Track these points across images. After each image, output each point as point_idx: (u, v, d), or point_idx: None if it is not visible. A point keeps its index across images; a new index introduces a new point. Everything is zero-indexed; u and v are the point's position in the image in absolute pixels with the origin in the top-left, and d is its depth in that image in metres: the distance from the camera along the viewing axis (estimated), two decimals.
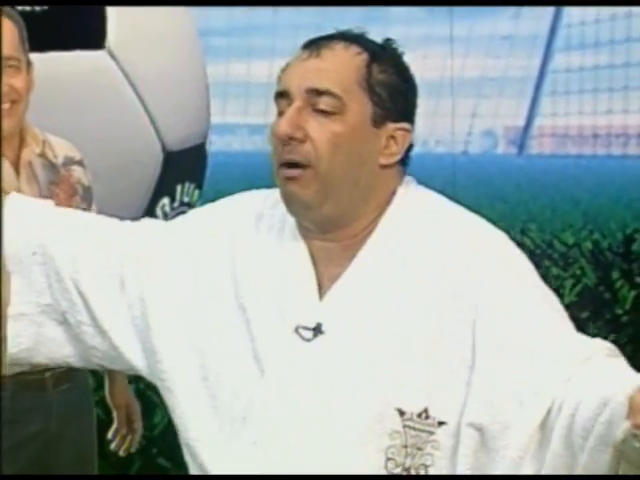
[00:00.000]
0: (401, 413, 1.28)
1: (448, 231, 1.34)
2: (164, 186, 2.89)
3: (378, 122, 1.32)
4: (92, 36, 2.53)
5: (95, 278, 1.42)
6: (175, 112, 2.74)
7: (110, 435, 2.22)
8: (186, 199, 3.05)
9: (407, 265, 1.33)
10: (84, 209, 2.08)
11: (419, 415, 1.28)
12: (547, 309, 1.30)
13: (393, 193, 1.36)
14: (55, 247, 1.44)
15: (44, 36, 2.30)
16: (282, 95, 1.34)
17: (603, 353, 1.26)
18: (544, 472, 1.23)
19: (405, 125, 1.34)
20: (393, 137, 1.33)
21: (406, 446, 1.28)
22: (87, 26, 2.54)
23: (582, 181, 19.09)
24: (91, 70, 2.53)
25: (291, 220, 1.37)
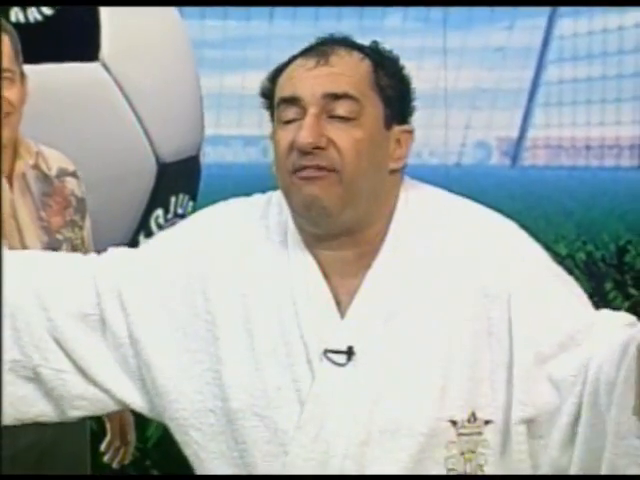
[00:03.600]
0: (454, 423, 1.25)
1: (462, 229, 1.32)
2: (158, 198, 2.89)
3: (388, 125, 1.31)
4: (86, 48, 2.54)
5: (71, 323, 1.33)
6: (169, 124, 2.74)
7: (103, 447, 2.22)
8: (180, 211, 3.04)
9: (428, 269, 1.29)
10: (78, 221, 2.08)
11: (468, 420, 1.26)
12: (570, 296, 1.31)
13: (397, 197, 1.33)
14: (22, 297, 1.33)
15: (38, 48, 2.30)
16: (288, 102, 1.29)
17: (623, 323, 1.27)
18: (579, 443, 1.23)
19: (408, 127, 1.33)
20: (398, 140, 1.32)
21: (463, 453, 1.26)
22: (81, 38, 2.55)
23: (575, 192, 19.12)
24: (85, 82, 2.53)
25: (292, 230, 1.31)
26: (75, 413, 1.36)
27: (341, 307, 1.28)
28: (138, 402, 1.35)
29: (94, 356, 1.34)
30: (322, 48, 1.31)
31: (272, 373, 1.27)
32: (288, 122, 1.29)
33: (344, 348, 1.26)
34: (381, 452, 1.25)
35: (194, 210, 2.92)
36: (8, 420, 1.36)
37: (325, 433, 1.25)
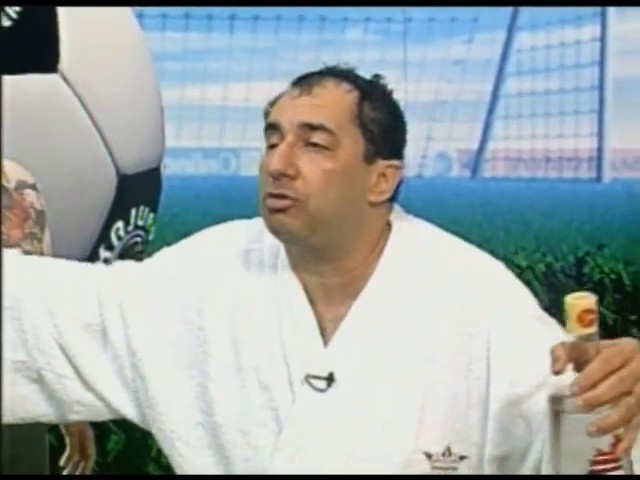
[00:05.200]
0: (428, 456, 1.26)
1: (450, 267, 1.33)
2: (118, 210, 2.87)
3: (369, 159, 1.32)
4: (45, 59, 2.52)
5: (75, 331, 1.37)
6: (129, 135, 2.73)
7: (63, 461, 2.20)
8: (140, 223, 3.03)
9: (414, 304, 1.30)
10: (37, 233, 2.06)
11: (443, 454, 1.27)
12: (551, 338, 1.28)
13: (387, 226, 1.34)
14: (30, 300, 1.38)
15: None
16: (272, 127, 1.32)
17: None
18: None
19: (395, 162, 1.33)
20: (383, 174, 1.32)
21: None
22: (40, 49, 2.53)
23: (535, 204, 19.28)
24: (44, 94, 2.51)
25: (282, 255, 1.34)
26: (74, 417, 1.41)
27: (325, 334, 1.30)
28: (131, 413, 1.37)
29: (94, 365, 1.37)
30: (312, 78, 1.33)
31: (255, 392, 1.30)
32: (272, 147, 1.32)
33: (325, 374, 1.28)
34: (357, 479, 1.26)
35: (154, 222, 2.91)
36: (10, 418, 1.40)
37: (302, 456, 1.27)
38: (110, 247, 2.95)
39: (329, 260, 1.31)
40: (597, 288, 6.39)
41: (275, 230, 1.31)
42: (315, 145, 1.29)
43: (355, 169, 1.30)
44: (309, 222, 1.29)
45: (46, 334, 1.37)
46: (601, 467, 1.10)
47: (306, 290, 1.32)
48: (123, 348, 1.35)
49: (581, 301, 1.11)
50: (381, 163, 1.32)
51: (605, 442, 1.09)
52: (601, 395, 1.07)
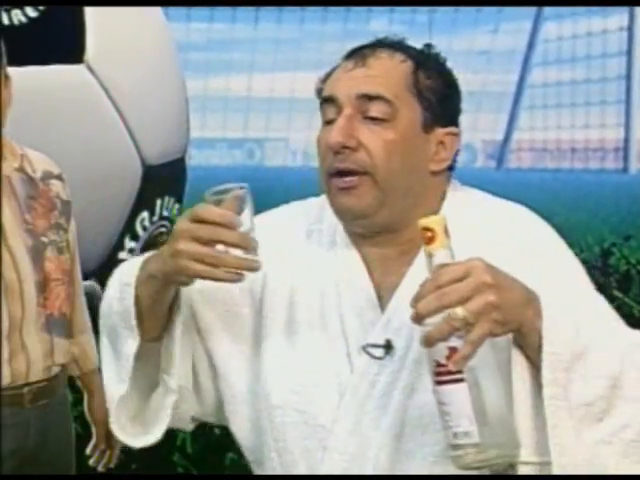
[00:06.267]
0: None
1: (503, 232, 1.33)
2: (143, 200, 2.89)
3: (428, 128, 1.31)
4: (71, 50, 2.53)
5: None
6: (154, 126, 2.74)
7: (89, 450, 2.21)
8: (165, 213, 3.04)
9: None
10: (63, 224, 2.07)
11: None
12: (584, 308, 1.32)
13: (442, 196, 1.34)
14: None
15: (23, 50, 2.30)
16: (328, 102, 1.32)
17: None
18: None
19: (453, 129, 1.33)
20: (442, 142, 1.32)
21: None
22: (66, 40, 2.54)
23: (560, 195, 19.18)
24: (70, 84, 2.53)
25: (341, 230, 1.35)
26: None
27: (382, 302, 1.31)
28: (200, 411, 1.39)
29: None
30: (365, 50, 1.33)
31: (312, 368, 1.30)
32: (328, 122, 1.32)
33: (382, 342, 1.29)
34: (414, 446, 1.27)
35: (180, 212, 2.92)
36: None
37: (361, 426, 1.28)
38: (135, 237, 2.96)
39: (390, 232, 1.32)
40: (623, 279, 6.35)
41: (343, 210, 1.31)
42: (373, 119, 1.29)
43: (415, 138, 1.30)
44: (377, 196, 1.29)
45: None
46: (440, 378, 1.14)
47: (364, 261, 1.33)
48: (197, 344, 1.36)
49: (422, 219, 1.16)
50: (439, 131, 1.32)
51: (442, 355, 1.13)
52: (420, 309, 1.13)
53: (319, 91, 1.36)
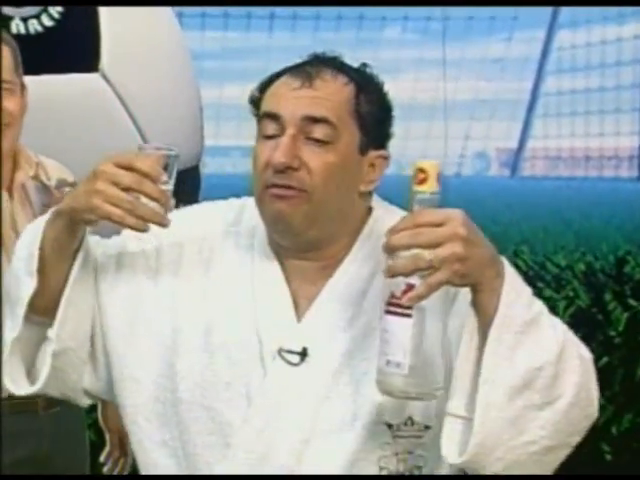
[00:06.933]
0: (389, 426, 1.30)
1: None
2: None
3: (363, 150, 1.34)
4: (86, 59, 2.54)
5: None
6: (169, 134, 2.75)
7: (102, 458, 2.22)
8: None
9: (381, 281, 1.30)
10: None
11: (405, 424, 1.30)
12: None
13: (367, 212, 1.37)
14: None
15: (38, 59, 2.31)
16: (270, 117, 1.34)
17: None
18: None
19: (384, 152, 1.36)
20: (373, 165, 1.35)
21: (397, 453, 1.31)
22: (81, 49, 2.55)
23: (574, 203, 19.14)
24: (85, 93, 2.54)
25: (260, 237, 1.37)
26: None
27: (299, 310, 1.33)
28: (94, 385, 1.40)
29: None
30: (309, 69, 1.34)
31: (223, 368, 1.32)
32: (268, 137, 1.34)
33: (299, 349, 1.31)
34: (321, 451, 1.30)
35: None
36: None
37: (270, 428, 1.30)
38: None
39: (317, 249, 1.34)
40: (638, 288, 6.33)
41: (275, 220, 1.32)
42: (316, 140, 1.31)
43: (352, 160, 1.33)
44: (309, 214, 1.31)
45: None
46: (390, 308, 1.19)
47: (282, 269, 1.35)
48: (96, 317, 1.37)
49: (420, 161, 1.21)
50: (372, 154, 1.35)
51: (399, 288, 1.19)
52: (392, 240, 1.18)
53: (255, 100, 1.37)
